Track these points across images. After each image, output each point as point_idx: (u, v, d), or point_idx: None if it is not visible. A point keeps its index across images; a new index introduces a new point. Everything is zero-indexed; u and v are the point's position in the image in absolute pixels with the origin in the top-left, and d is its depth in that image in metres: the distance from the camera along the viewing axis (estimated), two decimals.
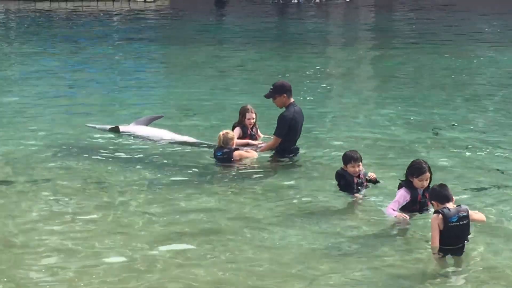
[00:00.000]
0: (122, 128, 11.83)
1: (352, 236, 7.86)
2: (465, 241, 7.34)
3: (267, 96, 10.68)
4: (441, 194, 7.34)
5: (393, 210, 8.08)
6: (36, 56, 20.19)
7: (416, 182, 8.10)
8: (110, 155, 10.79)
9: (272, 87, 10.61)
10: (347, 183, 8.99)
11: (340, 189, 9.05)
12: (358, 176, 9.03)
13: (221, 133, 10.35)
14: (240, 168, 10.18)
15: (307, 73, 17.74)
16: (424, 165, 8.11)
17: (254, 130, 11.06)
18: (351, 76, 18.24)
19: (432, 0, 34.62)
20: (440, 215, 7.21)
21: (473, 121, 12.99)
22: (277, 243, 7.63)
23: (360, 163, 8.99)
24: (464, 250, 7.31)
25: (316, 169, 10.15)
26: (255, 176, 9.94)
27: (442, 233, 7.21)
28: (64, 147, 11.15)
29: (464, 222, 7.23)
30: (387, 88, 16.20)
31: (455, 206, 7.30)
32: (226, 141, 10.27)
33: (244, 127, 10.99)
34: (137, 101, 14.70)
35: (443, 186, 7.47)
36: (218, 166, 10.27)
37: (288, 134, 10.51)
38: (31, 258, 7.23)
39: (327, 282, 6.79)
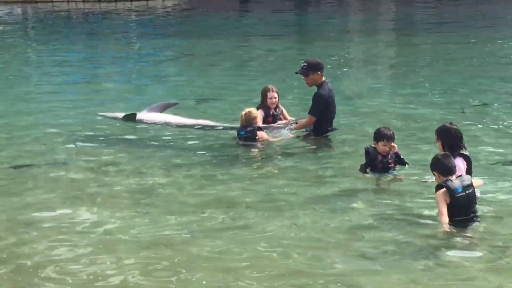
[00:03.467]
0: (138, 115, 11.33)
1: (366, 216, 7.24)
2: (474, 211, 6.84)
3: (300, 73, 9.93)
4: (445, 167, 6.78)
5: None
6: (55, 51, 19.76)
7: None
8: (129, 141, 10.33)
9: (305, 64, 9.87)
10: (371, 160, 8.39)
11: (362, 167, 8.38)
12: (386, 156, 8.47)
13: (243, 112, 9.80)
14: (265, 149, 9.64)
15: (332, 59, 17.25)
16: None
17: (277, 111, 10.46)
18: (373, 63, 17.75)
19: None
20: (445, 188, 6.70)
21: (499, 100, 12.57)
22: (301, 227, 7.09)
23: (392, 142, 8.43)
24: (475, 220, 6.81)
25: (346, 150, 9.56)
26: (281, 158, 9.35)
27: (449, 206, 6.68)
28: (79, 133, 10.68)
29: (470, 190, 6.76)
30: (411, 72, 15.73)
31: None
32: (249, 120, 9.72)
33: (266, 109, 10.39)
34: (152, 90, 14.21)
35: (447, 157, 6.87)
36: (242, 147, 9.74)
37: (324, 113, 9.90)
38: (38, 237, 6.80)
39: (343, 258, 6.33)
